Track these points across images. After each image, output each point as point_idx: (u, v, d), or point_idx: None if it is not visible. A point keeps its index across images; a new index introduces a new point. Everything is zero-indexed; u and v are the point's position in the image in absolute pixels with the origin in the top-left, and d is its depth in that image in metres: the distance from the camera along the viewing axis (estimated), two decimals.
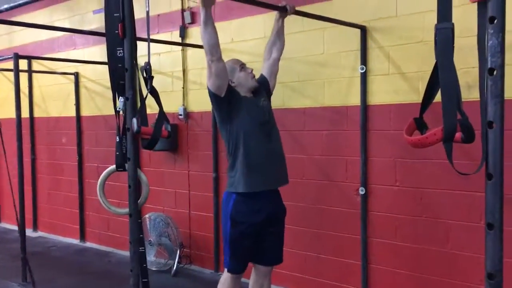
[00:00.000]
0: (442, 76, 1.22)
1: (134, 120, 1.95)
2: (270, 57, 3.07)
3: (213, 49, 2.61)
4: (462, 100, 1.35)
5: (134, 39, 2.07)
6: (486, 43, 1.17)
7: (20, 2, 2.86)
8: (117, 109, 2.12)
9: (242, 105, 2.77)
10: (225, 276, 2.89)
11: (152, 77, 2.32)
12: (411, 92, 3.24)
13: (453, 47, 1.24)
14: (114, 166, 2.36)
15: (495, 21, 1.15)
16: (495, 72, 1.15)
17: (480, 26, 1.19)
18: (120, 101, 2.09)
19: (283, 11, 2.95)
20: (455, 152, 1.40)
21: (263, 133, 2.79)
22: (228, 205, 2.78)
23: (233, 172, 2.78)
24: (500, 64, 1.15)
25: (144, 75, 2.32)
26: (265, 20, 3.92)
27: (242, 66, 2.89)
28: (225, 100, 2.71)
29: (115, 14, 2.05)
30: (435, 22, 1.29)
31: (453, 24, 1.24)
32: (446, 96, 1.22)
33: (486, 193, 1.18)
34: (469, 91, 2.82)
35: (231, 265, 2.85)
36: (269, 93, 3.03)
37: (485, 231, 1.19)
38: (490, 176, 1.17)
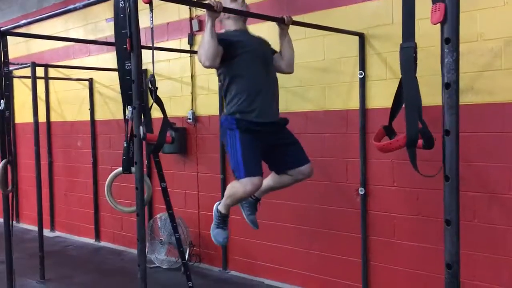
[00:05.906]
0: (405, 90, 1.37)
1: (141, 128, 2.13)
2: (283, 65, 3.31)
3: (212, 56, 2.81)
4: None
5: (140, 53, 2.25)
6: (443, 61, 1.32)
7: (37, 17, 3.09)
8: (126, 117, 2.31)
9: (240, 48, 2.96)
10: (238, 182, 2.88)
11: (157, 88, 2.50)
12: None
13: (416, 63, 1.38)
14: (120, 169, 2.53)
15: (450, 42, 1.30)
16: (450, 87, 1.30)
17: (442, 45, 1.34)
18: (128, 110, 2.27)
19: (281, 22, 3.12)
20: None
21: (262, 66, 3.02)
22: (232, 122, 2.90)
23: (231, 97, 2.95)
24: (454, 79, 1.30)
25: (150, 86, 2.50)
26: (269, 28, 4.07)
27: None
28: (226, 56, 2.91)
29: (123, 31, 2.24)
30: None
31: (415, 44, 1.39)
32: (409, 108, 1.38)
33: (444, 192, 1.34)
34: None
35: (246, 171, 2.83)
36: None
37: (444, 226, 1.34)
38: (447, 178, 1.32)
